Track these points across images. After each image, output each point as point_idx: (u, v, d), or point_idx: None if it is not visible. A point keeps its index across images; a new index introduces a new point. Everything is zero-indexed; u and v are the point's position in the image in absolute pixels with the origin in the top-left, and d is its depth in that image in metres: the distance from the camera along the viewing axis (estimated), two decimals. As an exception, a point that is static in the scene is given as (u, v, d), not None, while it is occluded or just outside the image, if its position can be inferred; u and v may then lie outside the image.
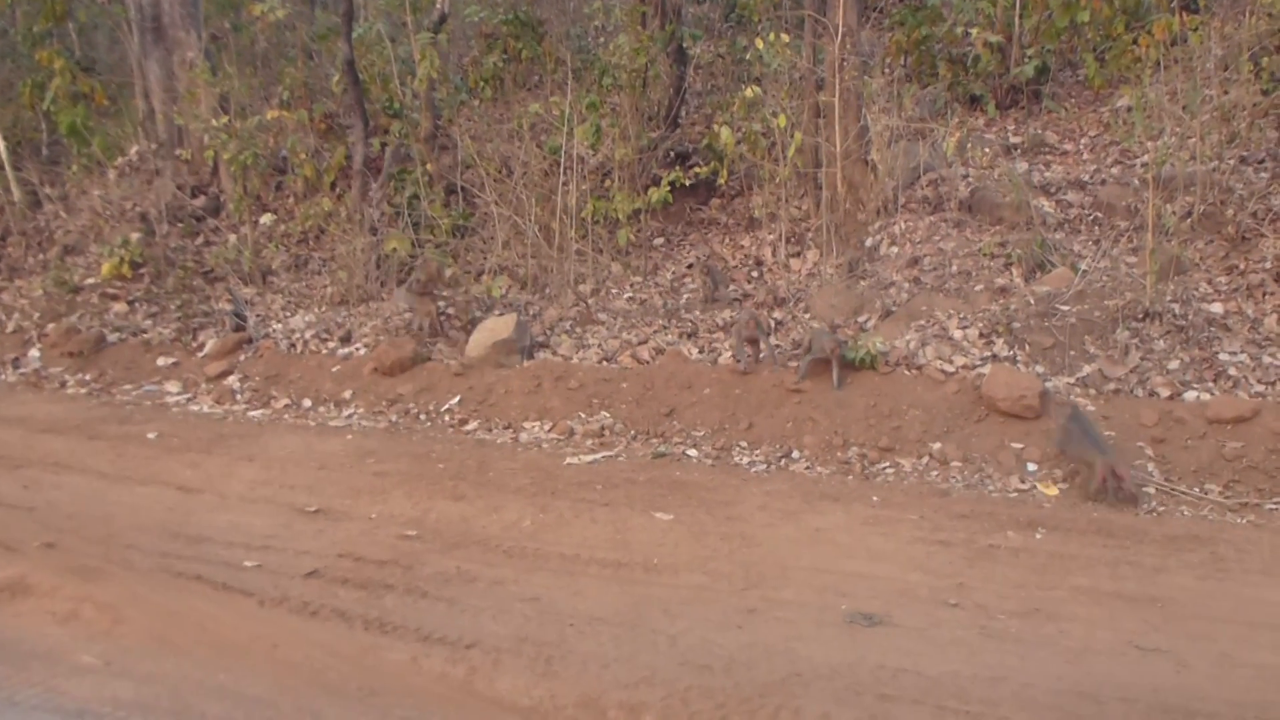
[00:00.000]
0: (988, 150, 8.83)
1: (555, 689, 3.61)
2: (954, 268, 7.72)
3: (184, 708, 3.39)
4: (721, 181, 9.11)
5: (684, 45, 10.40)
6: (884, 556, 4.77)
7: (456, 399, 7.31)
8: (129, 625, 4.07)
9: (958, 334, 6.86)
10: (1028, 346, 6.60)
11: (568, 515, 5.36)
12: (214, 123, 9.94)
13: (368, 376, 7.74)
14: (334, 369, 7.98)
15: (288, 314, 9.17)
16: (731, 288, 8.57)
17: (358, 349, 8.26)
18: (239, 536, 5.21)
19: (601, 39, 12.00)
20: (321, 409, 7.57)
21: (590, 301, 8.64)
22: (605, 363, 7.55)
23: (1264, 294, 6.75)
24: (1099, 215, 7.95)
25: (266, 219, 10.33)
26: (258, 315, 9.02)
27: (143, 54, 11.20)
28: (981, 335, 6.77)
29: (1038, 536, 4.95)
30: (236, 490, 5.96)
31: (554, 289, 8.81)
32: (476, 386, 7.37)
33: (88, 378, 8.50)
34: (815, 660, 3.80)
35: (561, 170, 8.86)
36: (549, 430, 6.85)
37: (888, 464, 6.01)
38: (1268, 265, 6.93)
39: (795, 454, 6.22)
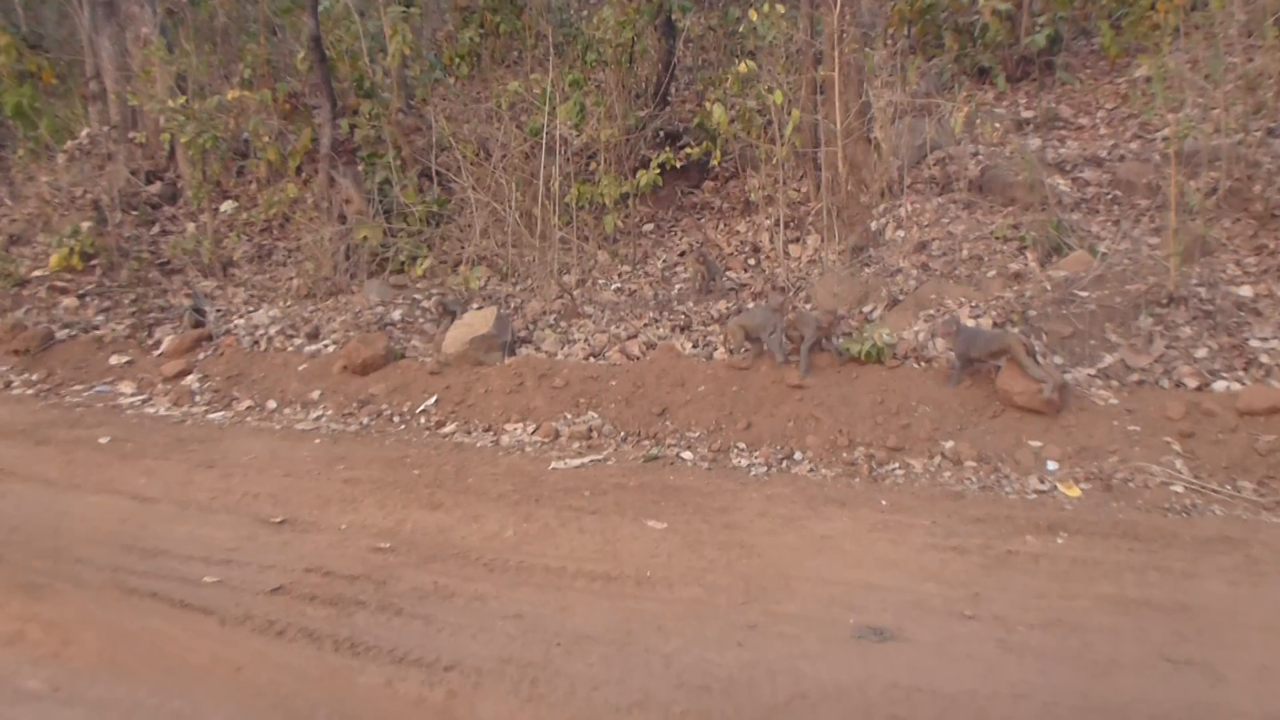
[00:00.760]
0: (998, 126, 8.81)
1: (541, 713, 3.57)
2: (964, 252, 7.68)
3: (137, 738, 3.35)
4: (714, 163, 9.08)
5: (673, 17, 10.34)
6: (894, 565, 4.72)
7: (433, 399, 7.26)
8: (79, 647, 4.05)
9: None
10: (1045, 336, 6.56)
11: (553, 524, 5.31)
12: (170, 103, 9.88)
13: (337, 375, 7.70)
14: (300, 367, 7.93)
15: (251, 309, 9.12)
16: (727, 276, 8.52)
17: (326, 346, 8.22)
18: (198, 550, 5.16)
19: (585, 12, 11.97)
20: (287, 411, 7.51)
21: (575, 293, 8.59)
22: (592, 359, 7.51)
23: (1295, 276, 6.73)
24: (1118, 194, 7.93)
25: (227, 206, 10.30)
26: (218, 310, 9.00)
27: (93, 29, 11.17)
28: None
29: (1059, 541, 4.90)
30: (196, 499, 5.90)
31: (536, 280, 8.75)
32: (454, 386, 7.31)
33: (35, 378, 8.47)
34: (822, 679, 3.75)
35: (543, 152, 8.79)
36: (532, 432, 6.80)
37: (897, 465, 5.96)
38: (1299, 245, 6.91)
39: (797, 455, 6.17)
